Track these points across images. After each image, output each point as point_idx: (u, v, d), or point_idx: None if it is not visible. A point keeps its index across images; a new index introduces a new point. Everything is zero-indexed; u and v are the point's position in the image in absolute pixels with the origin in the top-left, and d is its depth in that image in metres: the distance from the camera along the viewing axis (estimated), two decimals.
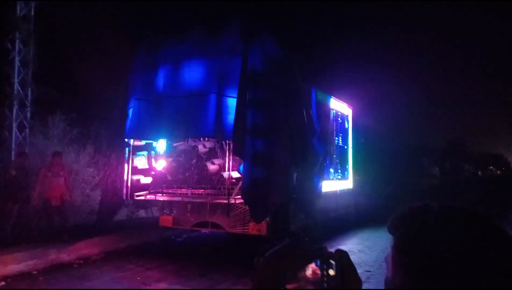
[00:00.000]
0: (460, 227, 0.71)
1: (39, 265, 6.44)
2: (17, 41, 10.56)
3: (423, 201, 0.80)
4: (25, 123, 10.53)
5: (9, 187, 7.29)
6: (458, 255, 0.68)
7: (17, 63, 10.56)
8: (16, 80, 10.50)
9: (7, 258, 6.19)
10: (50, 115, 10.89)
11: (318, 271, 0.83)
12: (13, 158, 9.60)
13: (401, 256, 0.73)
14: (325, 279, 0.83)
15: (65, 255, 6.91)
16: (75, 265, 6.74)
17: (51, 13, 11.35)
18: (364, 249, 7.59)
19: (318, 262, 0.83)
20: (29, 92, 10.69)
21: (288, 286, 0.83)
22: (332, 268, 0.83)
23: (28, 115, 10.63)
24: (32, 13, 10.76)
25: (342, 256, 0.85)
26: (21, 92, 10.59)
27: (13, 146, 10.16)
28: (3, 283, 5.75)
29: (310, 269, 0.84)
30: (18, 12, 10.50)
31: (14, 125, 10.36)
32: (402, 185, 12.66)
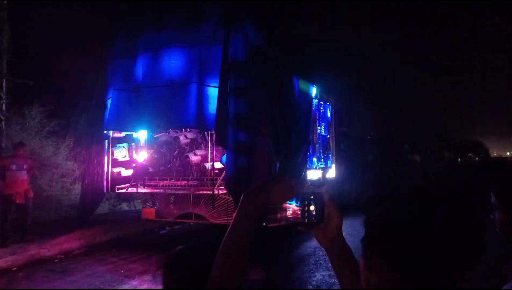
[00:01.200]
0: (430, 208, 0.67)
1: (19, 261, 6.29)
2: None
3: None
4: (0, 115, 10.21)
5: None
6: (428, 239, 0.64)
7: None
8: None
9: None
10: (26, 106, 10.57)
11: (298, 211, 0.85)
12: None
13: (371, 248, 0.70)
14: (306, 214, 0.84)
15: (46, 250, 6.77)
16: (56, 260, 6.61)
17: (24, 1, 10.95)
18: (347, 236, 7.63)
19: (299, 202, 0.86)
20: (4, 83, 10.34)
21: (269, 225, 0.85)
22: (313, 204, 0.84)
23: (4, 106, 10.30)
24: (5, 2, 10.35)
25: (322, 193, 0.86)
26: None
27: None
28: None
29: (290, 209, 0.87)
30: None
31: None
32: (383, 172, 12.85)
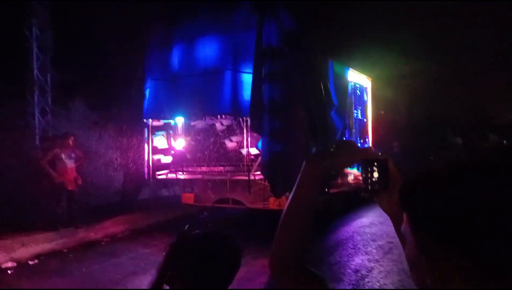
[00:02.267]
0: (471, 183, 0.64)
1: (69, 244, 6.71)
2: (34, 28, 10.68)
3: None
4: (47, 109, 10.77)
5: (37, 170, 7.52)
6: (479, 214, 0.61)
7: (35, 50, 10.70)
8: (35, 66, 10.67)
9: (39, 237, 6.48)
10: (70, 100, 11.08)
11: (360, 177, 0.83)
12: (37, 142, 9.89)
13: (416, 229, 0.67)
14: (369, 181, 0.82)
15: (93, 233, 7.17)
16: (103, 243, 6.99)
17: None
18: (385, 221, 7.53)
19: (360, 168, 0.84)
20: (49, 78, 10.86)
21: (331, 191, 0.84)
22: (376, 171, 0.82)
23: (50, 100, 10.85)
24: None
25: (387, 159, 0.84)
26: (41, 78, 10.76)
27: (37, 131, 10.45)
28: (36, 261, 6.04)
29: (352, 175, 0.86)
30: None
31: (37, 110, 10.60)
32: (424, 157, 12.43)
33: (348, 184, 1.25)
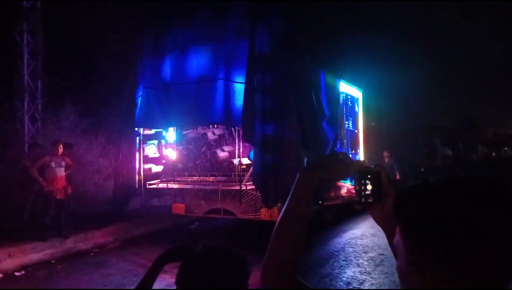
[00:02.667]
0: (470, 198, 0.63)
1: (57, 254, 6.58)
2: (25, 33, 10.59)
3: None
4: (37, 115, 10.64)
5: (24, 177, 7.39)
6: (475, 229, 0.61)
7: (26, 55, 10.60)
8: (25, 72, 10.56)
9: (26, 247, 6.33)
10: (61, 106, 10.97)
11: (353, 191, 0.83)
12: (26, 149, 9.74)
13: (409, 241, 0.67)
14: (362, 193, 0.83)
15: (82, 244, 7.04)
16: (92, 254, 6.88)
17: (59, 3, 11.33)
18: (377, 232, 7.56)
19: (353, 181, 0.84)
20: (39, 84, 10.76)
21: (325, 203, 0.84)
22: (370, 183, 0.84)
23: (39, 107, 10.73)
24: (39, 4, 10.74)
25: (380, 171, 0.84)
26: (31, 84, 10.65)
27: (26, 138, 10.30)
28: (23, 272, 5.90)
29: (345, 188, 0.85)
30: (25, 3, 10.49)
31: (26, 117, 10.47)
32: (414, 167, 12.53)
33: (341, 196, 1.27)
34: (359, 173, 0.83)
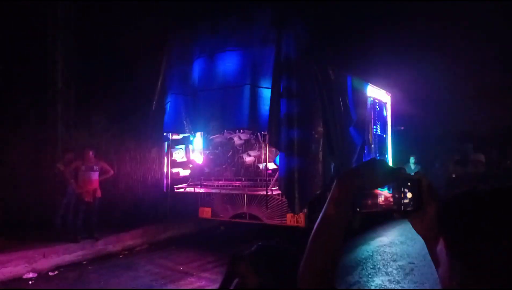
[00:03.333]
0: None
1: (88, 256, 6.79)
2: (59, 42, 11.04)
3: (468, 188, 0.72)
4: (70, 121, 11.04)
5: (57, 182, 7.68)
6: None
7: (60, 64, 11.05)
8: (59, 80, 11.00)
9: (59, 248, 6.55)
10: (92, 112, 11.34)
11: (391, 199, 0.82)
12: (60, 154, 10.12)
13: (455, 252, 0.66)
14: (402, 201, 0.82)
15: (112, 246, 7.23)
16: (121, 256, 7.05)
17: (90, 13, 11.76)
18: (406, 240, 7.37)
19: (391, 189, 0.82)
20: (72, 91, 11.18)
21: (362, 211, 0.82)
22: (410, 191, 0.81)
23: (72, 113, 11.14)
24: (72, 14, 11.19)
25: (421, 179, 0.82)
26: (64, 91, 11.09)
27: (59, 143, 10.70)
28: (56, 272, 6.12)
29: (382, 196, 0.83)
30: (59, 13, 10.95)
31: (60, 123, 10.90)
32: (444, 173, 12.14)
33: (379, 204, 1.24)
34: (398, 180, 0.81)
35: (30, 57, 10.93)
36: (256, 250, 1.39)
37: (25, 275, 5.87)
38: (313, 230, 0.84)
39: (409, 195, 0.81)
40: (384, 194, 0.84)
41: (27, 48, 10.96)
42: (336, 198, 0.82)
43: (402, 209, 0.82)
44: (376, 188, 0.82)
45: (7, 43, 10.44)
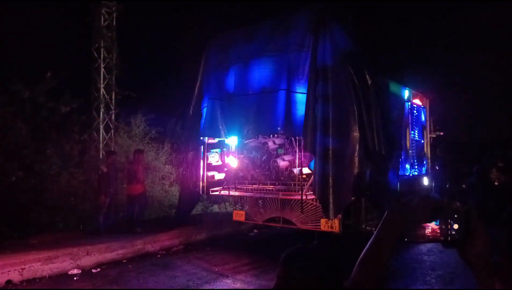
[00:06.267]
0: None
1: (128, 254, 7.06)
2: (102, 49, 11.58)
3: None
4: (110, 124, 11.54)
5: (101, 182, 8.05)
6: None
7: (102, 70, 11.58)
8: (101, 85, 11.52)
9: (101, 247, 6.86)
10: (132, 116, 11.79)
11: (438, 230, 0.85)
12: (101, 156, 10.59)
13: None
14: (449, 232, 0.85)
15: (150, 245, 7.48)
16: (158, 255, 7.27)
17: (132, 20, 12.25)
18: (445, 249, 7.12)
19: (438, 221, 0.85)
20: (113, 96, 11.68)
21: (409, 241, 0.86)
22: (456, 222, 0.85)
23: (113, 117, 11.63)
24: (114, 23, 11.70)
25: (469, 211, 0.86)
26: (106, 96, 11.60)
27: (101, 145, 11.20)
28: (98, 269, 6.41)
29: (430, 228, 0.87)
30: (102, 22, 11.49)
31: (101, 126, 11.41)
32: (487, 180, 11.60)
33: (426, 235, 1.23)
34: (446, 213, 0.85)
35: (75, 64, 11.54)
36: (295, 253, 1.44)
37: (70, 271, 6.19)
38: (363, 252, 0.91)
39: (455, 226, 0.84)
40: (431, 225, 0.87)
41: (74, 55, 11.58)
42: (386, 229, 0.88)
43: (449, 239, 0.85)
44: (425, 223, 0.85)
45: (54, 50, 11.08)
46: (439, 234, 0.85)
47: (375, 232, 0.90)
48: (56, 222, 8.33)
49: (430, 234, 0.87)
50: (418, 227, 0.87)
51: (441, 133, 10.12)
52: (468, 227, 0.83)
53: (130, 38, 12.75)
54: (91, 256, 6.59)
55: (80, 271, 6.23)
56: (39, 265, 5.97)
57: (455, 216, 0.84)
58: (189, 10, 13.87)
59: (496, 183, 12.28)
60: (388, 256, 0.88)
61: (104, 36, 11.52)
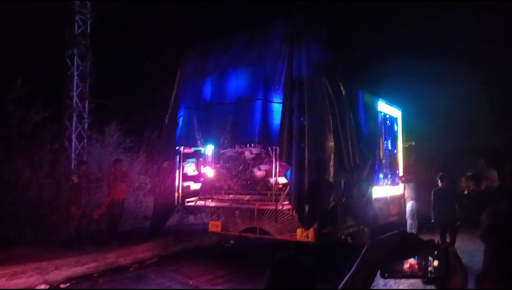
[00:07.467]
0: None
1: (100, 268, 6.83)
2: (75, 57, 11.32)
3: (494, 205, 0.77)
4: (83, 134, 11.24)
5: (72, 193, 7.80)
6: None
7: (75, 78, 11.30)
8: (75, 93, 11.23)
9: (71, 260, 6.62)
10: (105, 125, 11.53)
11: (416, 266, 0.85)
12: (73, 166, 10.27)
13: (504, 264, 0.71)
14: (428, 269, 0.85)
15: (123, 259, 7.27)
16: (131, 269, 7.07)
17: (106, 29, 12.06)
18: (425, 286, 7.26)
19: (417, 257, 0.85)
20: (87, 104, 11.40)
21: (389, 277, 0.86)
22: (436, 259, 0.84)
23: (86, 126, 11.34)
24: (89, 30, 11.49)
25: (448, 248, 0.87)
26: (79, 104, 11.31)
27: (73, 155, 10.88)
28: (68, 284, 6.17)
29: (408, 263, 0.86)
30: (76, 29, 11.26)
31: (74, 135, 11.09)
32: (454, 188, 11.97)
33: (404, 271, 1.26)
34: (425, 249, 0.86)
35: (48, 72, 11.23)
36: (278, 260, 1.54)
37: (38, 286, 5.93)
38: (342, 283, 0.91)
39: (435, 263, 0.84)
40: (409, 261, 0.88)
41: (46, 63, 11.26)
42: (365, 263, 0.88)
43: (429, 276, 0.85)
44: (405, 259, 0.86)
45: (25, 57, 10.76)
46: (417, 270, 0.86)
47: (353, 267, 0.90)
48: (24, 234, 8.00)
49: (408, 270, 0.87)
50: (396, 262, 0.87)
51: (413, 143, 10.41)
52: (447, 264, 0.84)
53: (105, 45, 12.54)
54: (60, 270, 6.34)
55: (48, 286, 5.98)
56: (3, 281, 5.69)
57: (435, 252, 0.84)
58: (166, 19, 13.81)
59: (465, 192, 12.70)
60: (369, 282, 0.89)
61: (78, 43, 11.28)
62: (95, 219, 8.20)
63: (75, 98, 11.24)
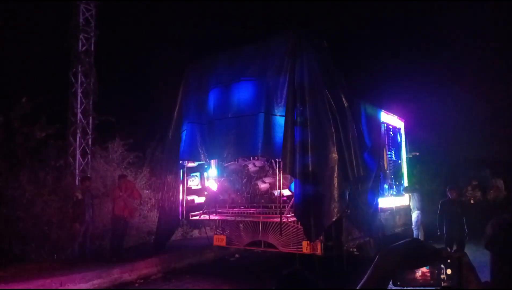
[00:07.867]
0: None
1: (104, 284, 6.78)
2: (79, 74, 11.46)
3: (496, 215, 0.77)
4: (87, 150, 11.29)
5: (75, 209, 7.80)
6: None
7: (79, 94, 11.41)
8: (78, 110, 11.33)
9: (76, 277, 6.57)
10: (109, 141, 11.59)
11: (428, 274, 0.84)
12: (77, 182, 10.29)
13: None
14: (441, 277, 0.84)
15: (127, 274, 7.22)
16: (136, 284, 7.01)
17: (109, 45, 12.22)
18: None
19: (429, 266, 0.85)
20: (90, 121, 11.48)
21: (401, 285, 0.85)
22: (449, 268, 0.84)
23: (90, 142, 11.40)
24: (92, 48, 11.65)
25: (461, 257, 0.86)
26: (83, 120, 11.39)
27: (77, 171, 10.91)
28: None
29: (420, 272, 0.85)
30: (80, 47, 11.42)
31: (78, 151, 11.14)
32: (462, 200, 11.88)
33: (416, 279, 1.24)
34: (439, 259, 0.86)
35: (52, 89, 11.35)
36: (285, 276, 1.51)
37: None
38: (362, 282, 0.90)
39: (448, 271, 0.84)
40: (421, 269, 0.87)
41: (50, 80, 11.40)
42: (377, 272, 0.88)
43: (441, 285, 0.85)
44: (417, 268, 0.86)
45: (30, 74, 10.90)
46: (429, 278, 0.85)
47: (365, 276, 0.89)
48: (28, 252, 7.97)
49: (420, 278, 0.87)
50: (408, 271, 0.87)
51: (417, 154, 10.38)
52: (460, 273, 0.84)
53: (108, 62, 12.70)
54: (65, 287, 6.30)
55: None
56: None
57: (448, 261, 0.84)
58: (169, 34, 14.00)
59: (471, 202, 12.60)
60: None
61: (82, 61, 11.43)
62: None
63: (79, 115, 11.34)
